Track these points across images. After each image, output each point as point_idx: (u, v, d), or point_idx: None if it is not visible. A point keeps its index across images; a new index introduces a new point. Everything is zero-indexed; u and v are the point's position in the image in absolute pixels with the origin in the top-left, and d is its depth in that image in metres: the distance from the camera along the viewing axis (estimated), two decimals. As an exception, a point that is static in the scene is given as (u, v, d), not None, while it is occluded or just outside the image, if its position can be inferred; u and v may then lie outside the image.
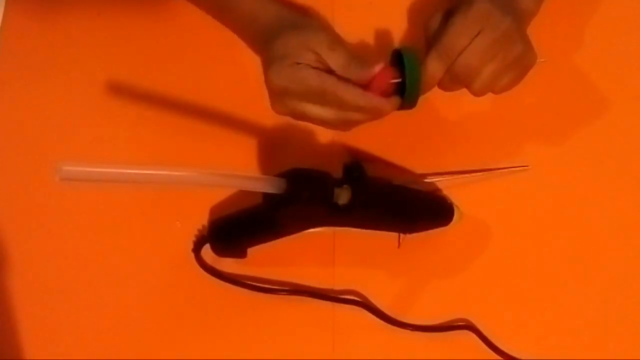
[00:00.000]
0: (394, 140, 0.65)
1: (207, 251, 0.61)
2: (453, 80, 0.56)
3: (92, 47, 0.70)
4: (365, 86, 0.55)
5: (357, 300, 0.61)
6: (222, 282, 0.61)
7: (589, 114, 0.66)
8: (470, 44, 0.54)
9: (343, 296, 0.61)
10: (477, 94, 0.56)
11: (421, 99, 0.58)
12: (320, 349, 0.61)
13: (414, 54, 0.56)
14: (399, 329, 0.60)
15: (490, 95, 0.57)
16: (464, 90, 0.57)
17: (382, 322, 0.60)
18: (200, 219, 0.64)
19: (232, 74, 0.68)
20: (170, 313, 0.63)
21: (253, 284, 0.61)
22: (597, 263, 0.62)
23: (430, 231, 0.61)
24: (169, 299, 0.63)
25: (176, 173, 0.47)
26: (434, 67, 0.55)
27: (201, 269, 0.62)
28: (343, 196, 0.55)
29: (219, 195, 0.64)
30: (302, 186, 0.54)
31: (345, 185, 0.56)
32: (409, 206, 0.60)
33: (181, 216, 0.64)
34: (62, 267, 0.64)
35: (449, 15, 0.55)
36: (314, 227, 0.58)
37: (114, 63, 0.69)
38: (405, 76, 0.55)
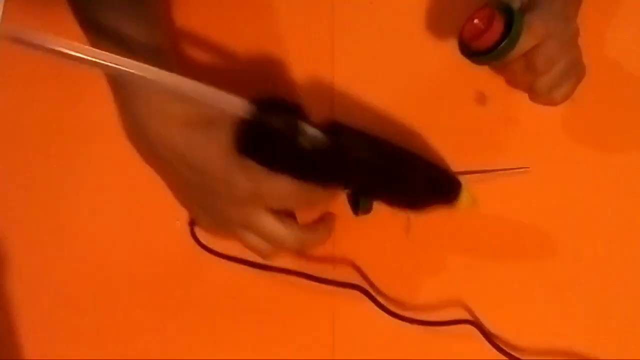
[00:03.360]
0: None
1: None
2: (527, 68, 0.55)
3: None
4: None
5: (357, 285, 0.61)
6: (218, 261, 0.61)
7: (590, 114, 0.66)
8: (552, 37, 0.53)
9: (343, 280, 0.61)
10: (541, 89, 0.55)
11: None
12: (320, 341, 0.61)
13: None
14: (400, 322, 0.60)
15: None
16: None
17: (382, 314, 0.60)
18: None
19: (232, 73, 0.68)
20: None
21: (248, 259, 0.60)
22: (598, 262, 0.62)
23: (434, 226, 0.60)
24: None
25: (133, 63, 0.41)
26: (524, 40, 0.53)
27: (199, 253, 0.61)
28: (314, 140, 0.48)
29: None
30: (271, 115, 0.47)
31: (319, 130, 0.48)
32: (405, 171, 0.53)
33: (181, 216, 0.64)
34: (62, 267, 0.64)
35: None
36: (279, 168, 0.50)
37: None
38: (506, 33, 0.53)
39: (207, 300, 0.63)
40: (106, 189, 0.66)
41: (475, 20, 0.52)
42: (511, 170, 0.64)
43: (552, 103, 0.57)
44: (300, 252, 0.58)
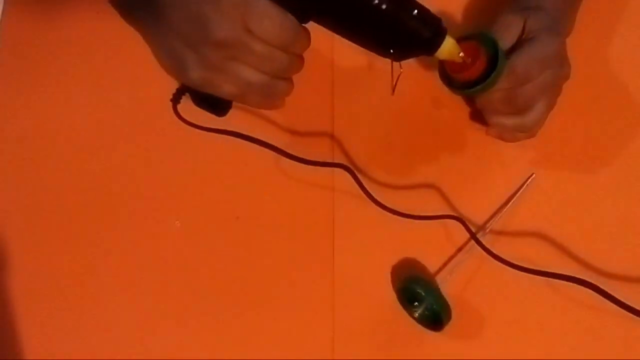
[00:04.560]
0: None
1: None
2: (506, 103, 0.57)
3: (92, 46, 0.70)
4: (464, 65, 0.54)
5: (345, 165, 0.61)
6: (201, 138, 0.59)
7: (588, 113, 0.66)
8: (538, 77, 0.55)
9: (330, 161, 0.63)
10: (528, 126, 0.58)
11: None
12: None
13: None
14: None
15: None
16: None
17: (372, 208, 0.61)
18: (200, 219, 0.64)
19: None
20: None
21: (234, 131, 0.58)
22: (598, 261, 0.62)
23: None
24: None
25: None
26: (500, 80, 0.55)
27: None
28: None
29: (219, 195, 0.65)
30: None
31: None
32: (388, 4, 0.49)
33: (181, 216, 0.64)
34: (61, 267, 0.64)
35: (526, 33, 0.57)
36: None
37: (113, 62, 0.69)
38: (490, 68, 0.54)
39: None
40: (106, 189, 0.66)
41: (461, 54, 0.52)
42: (522, 189, 0.63)
43: (514, 140, 0.60)
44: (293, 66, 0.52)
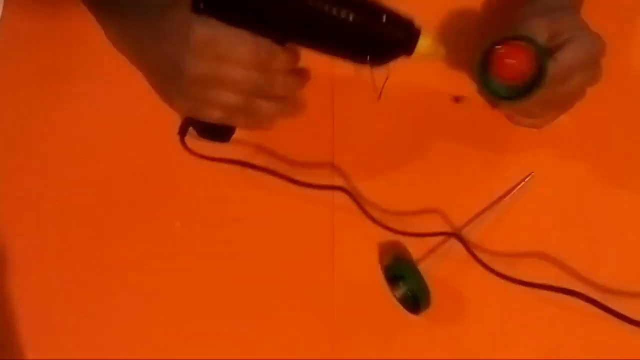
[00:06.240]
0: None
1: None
2: (542, 106, 0.55)
3: (92, 46, 0.70)
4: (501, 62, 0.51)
5: (344, 188, 0.62)
6: (209, 168, 0.61)
7: (587, 111, 0.66)
8: (576, 79, 0.53)
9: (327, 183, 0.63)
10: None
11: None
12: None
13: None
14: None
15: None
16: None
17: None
18: (200, 219, 0.64)
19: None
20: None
21: (238, 159, 0.61)
22: (597, 262, 0.62)
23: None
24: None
25: None
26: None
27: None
28: None
29: (219, 195, 0.65)
30: None
31: None
32: (359, 14, 0.50)
33: (181, 216, 0.64)
34: (62, 267, 0.64)
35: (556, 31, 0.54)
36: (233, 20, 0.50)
37: (113, 61, 0.69)
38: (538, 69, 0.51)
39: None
40: (106, 189, 0.66)
41: (508, 60, 0.50)
42: (520, 186, 0.63)
43: (534, 127, 0.57)
44: (278, 109, 0.53)
